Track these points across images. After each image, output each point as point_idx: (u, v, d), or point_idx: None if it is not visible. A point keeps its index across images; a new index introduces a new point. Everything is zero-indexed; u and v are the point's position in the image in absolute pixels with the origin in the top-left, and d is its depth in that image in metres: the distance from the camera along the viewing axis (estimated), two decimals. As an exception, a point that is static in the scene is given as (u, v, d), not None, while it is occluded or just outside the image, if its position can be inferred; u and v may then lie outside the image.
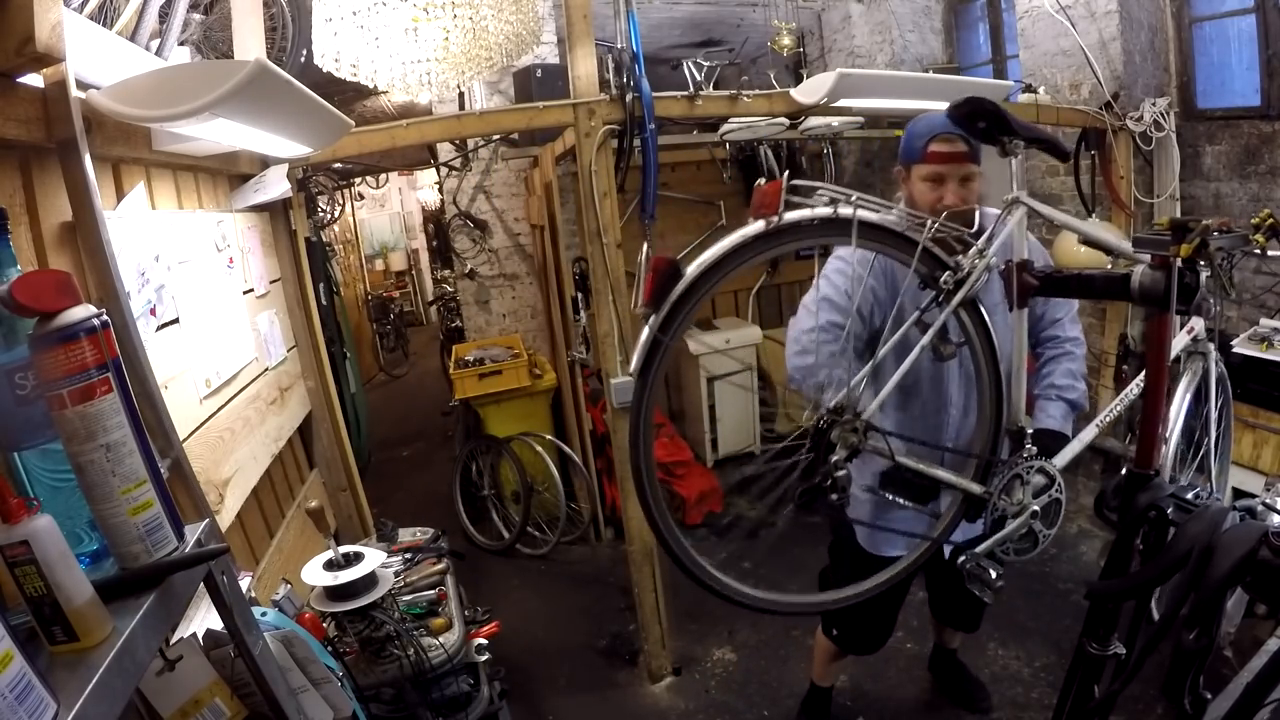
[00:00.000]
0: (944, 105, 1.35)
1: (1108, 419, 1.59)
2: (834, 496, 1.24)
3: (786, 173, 1.26)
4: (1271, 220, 1.28)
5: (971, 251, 1.26)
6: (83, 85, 1.22)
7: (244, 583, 1.12)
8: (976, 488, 1.36)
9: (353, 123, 1.98)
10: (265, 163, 2.21)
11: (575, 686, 2.71)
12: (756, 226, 1.17)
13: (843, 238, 1.19)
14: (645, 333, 1.16)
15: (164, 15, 1.72)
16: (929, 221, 1.23)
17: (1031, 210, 1.34)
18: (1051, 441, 1.48)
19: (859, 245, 1.19)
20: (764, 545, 3.56)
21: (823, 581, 2.06)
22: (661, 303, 1.15)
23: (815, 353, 1.55)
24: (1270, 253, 1.32)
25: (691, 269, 1.16)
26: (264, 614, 1.23)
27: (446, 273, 7.48)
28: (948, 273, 1.25)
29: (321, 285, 3.33)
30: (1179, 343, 1.70)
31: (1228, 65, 3.05)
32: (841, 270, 1.66)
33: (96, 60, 1.30)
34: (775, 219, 1.15)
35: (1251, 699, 1.02)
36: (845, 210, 1.18)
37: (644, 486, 1.24)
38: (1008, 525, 1.36)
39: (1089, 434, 1.54)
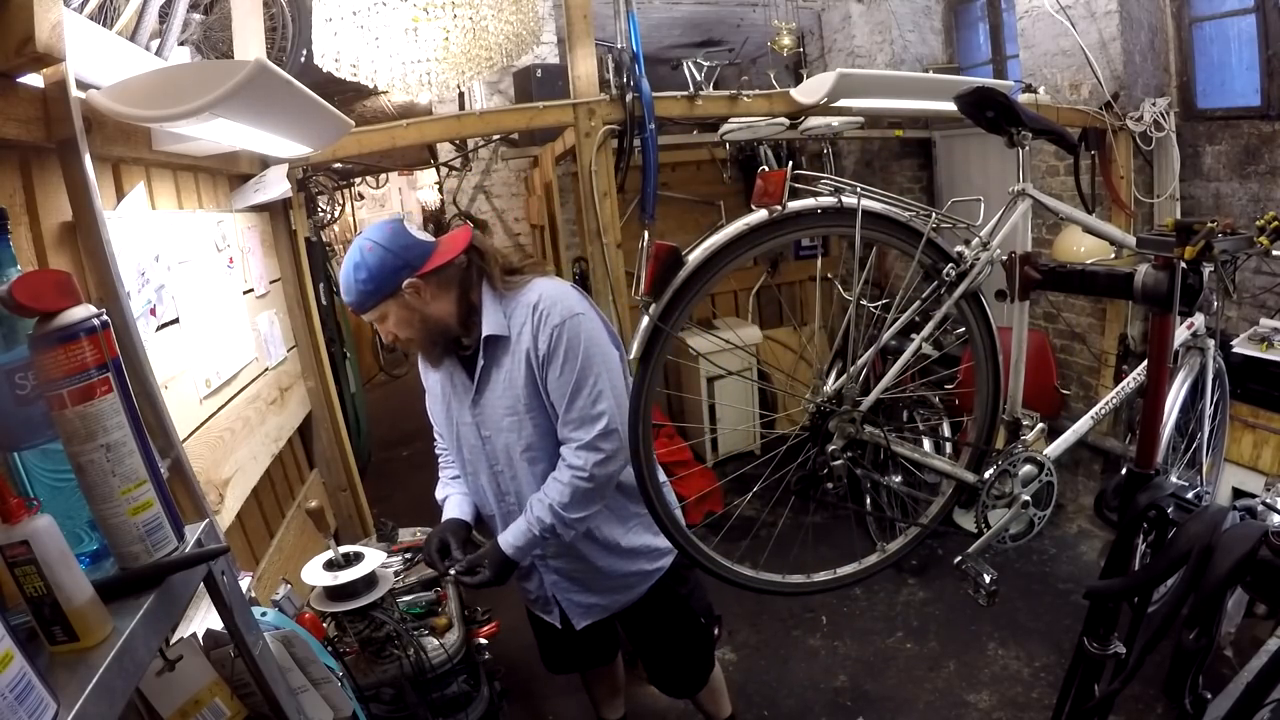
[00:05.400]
0: (942, 105, 1.35)
1: (1103, 411, 1.59)
2: (829, 485, 1.24)
3: (790, 163, 1.25)
4: (1276, 222, 1.27)
5: (975, 243, 1.26)
6: (83, 85, 1.22)
7: (244, 583, 1.12)
8: (970, 476, 1.36)
9: (353, 123, 1.97)
10: (265, 163, 2.21)
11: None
12: (760, 215, 1.14)
13: (846, 227, 1.18)
14: (645, 321, 1.14)
15: (164, 15, 1.72)
16: (933, 213, 1.23)
17: (1037, 203, 1.34)
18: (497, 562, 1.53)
19: (862, 236, 1.18)
20: (764, 544, 3.55)
21: None
22: (663, 291, 1.12)
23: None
24: (1275, 253, 1.31)
25: (694, 256, 1.13)
26: (264, 614, 1.23)
27: (446, 273, 7.48)
28: (950, 264, 1.26)
29: (321, 285, 3.32)
30: (1178, 337, 1.69)
31: (1228, 65, 3.05)
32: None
33: (96, 60, 1.30)
34: (779, 208, 1.12)
35: (1251, 699, 1.02)
36: (850, 200, 1.17)
37: (644, 475, 1.23)
38: (998, 519, 1.36)
39: (1084, 425, 1.54)
